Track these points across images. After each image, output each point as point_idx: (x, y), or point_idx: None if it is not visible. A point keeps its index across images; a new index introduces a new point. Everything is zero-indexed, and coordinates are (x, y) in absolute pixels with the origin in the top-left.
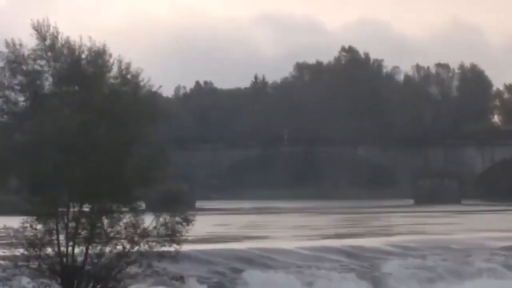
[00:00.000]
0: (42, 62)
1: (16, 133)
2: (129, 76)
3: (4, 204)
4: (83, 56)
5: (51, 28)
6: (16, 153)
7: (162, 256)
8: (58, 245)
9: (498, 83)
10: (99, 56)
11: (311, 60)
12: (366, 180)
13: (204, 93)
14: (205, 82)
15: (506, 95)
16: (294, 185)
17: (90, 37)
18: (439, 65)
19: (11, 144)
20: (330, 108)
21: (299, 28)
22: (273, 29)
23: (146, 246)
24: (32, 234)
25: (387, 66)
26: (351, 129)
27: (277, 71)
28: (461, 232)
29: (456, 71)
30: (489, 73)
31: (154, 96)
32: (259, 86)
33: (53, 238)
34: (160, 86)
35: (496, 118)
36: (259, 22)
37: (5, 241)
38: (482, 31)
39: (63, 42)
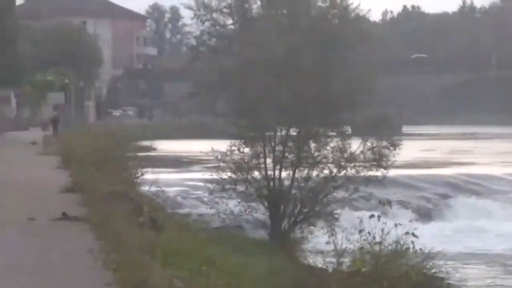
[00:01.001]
0: None
1: (225, 56)
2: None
3: (211, 128)
4: None
5: None
6: (224, 76)
7: (368, 180)
8: (265, 168)
9: None
10: None
11: None
12: None
13: (411, 17)
14: (413, 7)
15: None
16: (501, 110)
17: None
18: None
19: (220, 67)
20: None
21: None
22: None
23: (353, 171)
24: (239, 157)
25: None
26: None
27: None
28: None
29: None
30: None
31: (362, 20)
32: (467, 11)
33: (260, 161)
34: (368, 10)
35: None
36: None
37: (212, 165)
38: None
39: None
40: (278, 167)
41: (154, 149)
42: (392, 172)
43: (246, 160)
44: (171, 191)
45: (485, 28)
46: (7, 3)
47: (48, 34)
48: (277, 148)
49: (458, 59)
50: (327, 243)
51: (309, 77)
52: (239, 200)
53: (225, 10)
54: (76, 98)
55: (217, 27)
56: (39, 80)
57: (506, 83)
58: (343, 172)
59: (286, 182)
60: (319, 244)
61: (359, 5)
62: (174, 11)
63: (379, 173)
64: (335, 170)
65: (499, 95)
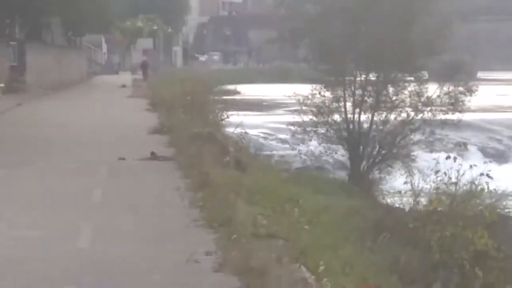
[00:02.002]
0: None
1: (308, 3)
2: None
3: (293, 73)
4: None
5: None
6: (307, 23)
7: (445, 123)
8: (345, 111)
9: None
10: None
11: None
12: None
13: None
14: None
15: None
16: None
17: None
18: None
19: (302, 14)
20: None
21: None
22: None
23: (430, 114)
24: (320, 101)
25: None
26: None
27: None
28: None
29: None
30: None
31: None
32: None
33: (340, 105)
34: None
35: None
36: None
37: (294, 108)
38: None
39: None
40: (357, 110)
41: (238, 92)
42: (467, 116)
43: (327, 104)
44: (255, 133)
45: None
46: None
47: None
48: (356, 92)
49: None
50: (404, 183)
51: (388, 24)
52: (319, 142)
53: None
54: (164, 44)
55: None
56: (129, 27)
57: None
58: (420, 116)
59: (365, 125)
60: (397, 185)
61: None
62: None
63: (454, 116)
64: (412, 114)
65: None
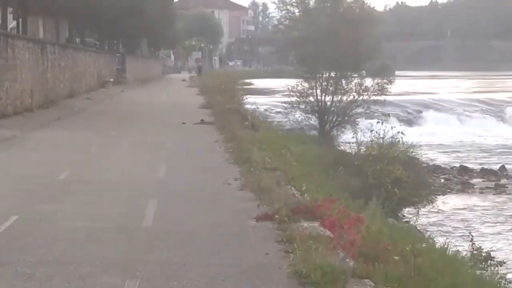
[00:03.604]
0: None
1: (294, 31)
2: None
3: (285, 72)
4: None
5: None
6: (293, 43)
7: (375, 102)
8: (316, 95)
9: None
10: None
11: None
12: None
13: (398, 9)
14: (398, 2)
15: None
16: (452, 64)
17: None
18: None
19: (290, 37)
20: None
21: None
22: None
23: (366, 96)
24: (301, 89)
25: None
26: None
27: None
28: None
29: None
30: None
31: (372, 10)
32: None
33: (313, 91)
34: (375, 5)
35: None
36: None
37: (286, 93)
38: None
39: None
40: (323, 94)
41: (252, 84)
42: (389, 97)
43: (305, 90)
44: (262, 108)
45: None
46: (168, 2)
47: (192, 18)
48: (323, 83)
49: (426, 33)
50: (352, 138)
51: (343, 42)
52: (301, 113)
53: (294, 3)
54: (208, 54)
55: (290, 14)
56: (187, 45)
57: (457, 47)
58: (361, 97)
59: (328, 103)
60: (347, 138)
61: (373, 2)
62: (265, 4)
63: (381, 98)
64: (356, 96)
65: (452, 54)
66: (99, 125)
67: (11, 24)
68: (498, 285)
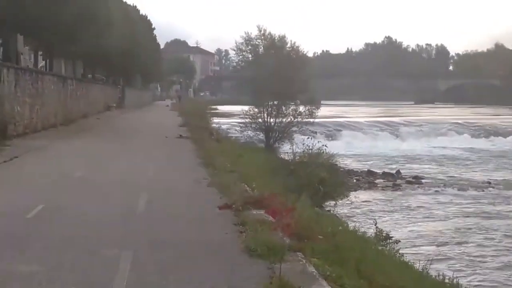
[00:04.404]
0: None
1: (248, 71)
2: None
3: (242, 100)
4: None
5: None
6: (247, 80)
7: (306, 123)
8: (263, 118)
9: None
10: None
11: None
12: None
13: (325, 56)
14: (324, 51)
15: None
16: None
17: None
18: None
19: (246, 76)
20: None
21: None
22: None
23: (300, 118)
24: (252, 112)
25: None
26: None
27: None
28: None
29: None
30: None
31: (304, 57)
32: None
33: (261, 114)
34: (307, 51)
35: None
36: None
37: (241, 116)
38: None
39: None
40: (269, 117)
41: (217, 109)
42: (316, 120)
43: (255, 114)
44: (224, 126)
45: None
46: (156, 48)
47: (174, 61)
48: (268, 109)
49: (343, 73)
50: (289, 149)
51: (283, 79)
52: (252, 131)
53: (248, 50)
54: (185, 87)
55: (245, 58)
56: (169, 79)
57: (366, 84)
58: (296, 119)
59: (272, 123)
60: (286, 149)
61: (305, 51)
62: (227, 51)
63: (311, 120)
64: (292, 118)
65: (362, 89)
66: (106, 138)
67: (41, 63)
68: (394, 257)
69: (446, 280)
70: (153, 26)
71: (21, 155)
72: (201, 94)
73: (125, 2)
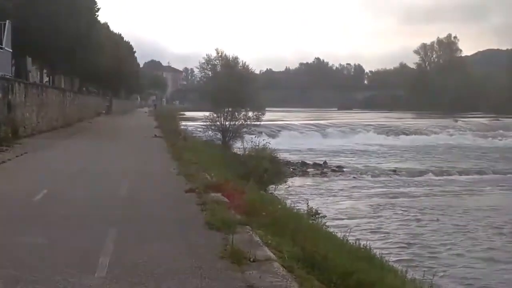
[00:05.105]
0: None
1: (208, 85)
2: None
3: (204, 107)
4: None
5: None
6: (208, 92)
7: (254, 125)
8: (221, 121)
9: None
10: None
11: None
12: None
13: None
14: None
15: None
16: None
17: None
18: None
19: (207, 88)
20: None
21: None
22: None
23: (249, 122)
24: (212, 117)
25: None
26: None
27: None
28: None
29: None
30: None
31: (253, 74)
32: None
33: (219, 119)
34: (254, 69)
35: None
36: None
37: (204, 119)
38: None
39: None
40: (225, 120)
41: (184, 114)
42: (262, 123)
43: (214, 118)
44: (190, 128)
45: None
46: (136, 67)
47: (150, 77)
48: (225, 114)
49: (282, 86)
50: (241, 145)
51: (235, 93)
52: (212, 132)
53: (209, 68)
54: (159, 98)
55: (206, 74)
56: (147, 92)
57: (300, 94)
58: (246, 122)
59: (227, 126)
60: (238, 146)
61: (253, 69)
62: (192, 69)
63: (258, 122)
64: (243, 121)
65: (297, 99)
66: (96, 137)
67: (45, 79)
68: (321, 229)
69: (361, 246)
70: (134, 50)
71: (29, 151)
72: (172, 103)
73: (112, 31)
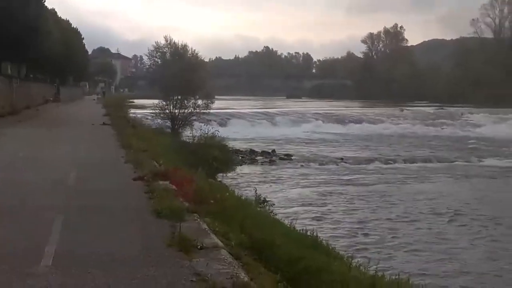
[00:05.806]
0: None
1: (158, 72)
2: None
3: (154, 95)
4: None
5: None
6: (157, 79)
7: (204, 113)
8: (170, 109)
9: None
10: None
11: None
12: None
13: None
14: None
15: None
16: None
17: None
18: None
19: (156, 75)
20: None
21: None
22: None
23: (198, 110)
24: (161, 105)
25: None
26: None
27: None
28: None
29: None
30: None
31: (201, 62)
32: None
33: (168, 106)
34: (204, 58)
35: None
36: None
37: (153, 107)
38: None
39: None
40: (174, 108)
41: (133, 102)
42: (211, 111)
43: (164, 106)
44: (139, 116)
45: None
46: (84, 54)
47: (99, 64)
48: (174, 102)
49: (231, 74)
50: (190, 133)
51: (184, 81)
52: (161, 119)
53: (158, 56)
54: (108, 85)
55: (155, 62)
56: (95, 79)
57: (248, 83)
58: (195, 110)
59: (177, 114)
60: (187, 134)
61: (202, 57)
62: (141, 56)
63: (207, 111)
64: (192, 109)
65: (245, 87)
66: (44, 124)
67: None
68: (269, 216)
69: (308, 233)
70: (82, 37)
71: None
72: (121, 90)
73: (60, 17)
